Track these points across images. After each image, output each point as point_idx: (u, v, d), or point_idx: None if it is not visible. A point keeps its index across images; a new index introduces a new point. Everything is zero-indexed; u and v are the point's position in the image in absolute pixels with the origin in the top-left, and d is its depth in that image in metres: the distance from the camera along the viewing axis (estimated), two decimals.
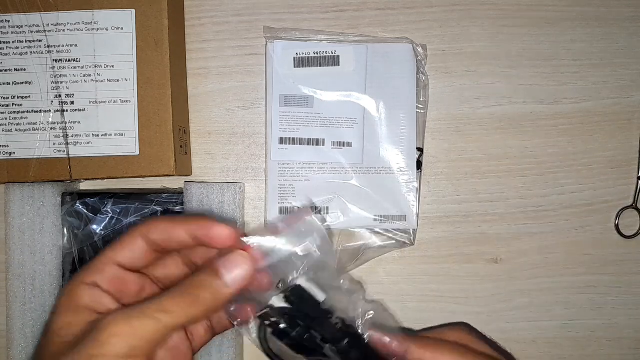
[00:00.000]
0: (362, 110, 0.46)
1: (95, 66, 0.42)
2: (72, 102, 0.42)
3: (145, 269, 0.31)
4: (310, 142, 0.46)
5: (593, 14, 0.47)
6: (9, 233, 0.42)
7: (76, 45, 0.42)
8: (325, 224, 0.45)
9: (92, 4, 0.41)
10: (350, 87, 0.46)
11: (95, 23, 0.42)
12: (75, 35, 0.42)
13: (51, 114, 0.42)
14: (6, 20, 0.41)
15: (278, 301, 0.30)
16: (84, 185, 0.46)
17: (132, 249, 0.29)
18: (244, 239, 0.29)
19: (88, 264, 0.29)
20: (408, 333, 0.32)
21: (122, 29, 0.42)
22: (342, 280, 0.32)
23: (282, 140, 0.46)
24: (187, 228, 0.29)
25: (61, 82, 0.42)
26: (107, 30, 0.42)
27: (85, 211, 0.43)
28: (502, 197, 0.47)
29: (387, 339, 0.31)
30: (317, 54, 0.46)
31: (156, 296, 0.27)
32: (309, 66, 0.46)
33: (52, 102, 0.42)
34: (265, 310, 0.30)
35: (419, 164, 0.46)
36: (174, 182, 0.46)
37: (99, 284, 0.28)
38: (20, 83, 0.42)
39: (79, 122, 0.42)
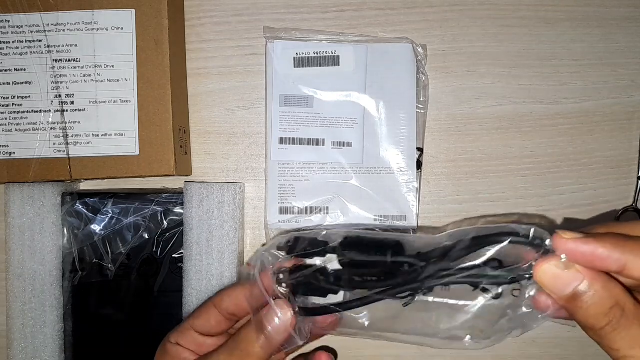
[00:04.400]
0: (362, 110, 0.46)
1: (95, 66, 0.42)
2: (72, 102, 0.42)
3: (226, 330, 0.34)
4: (310, 142, 0.46)
5: (593, 14, 0.47)
6: (9, 233, 0.42)
7: (76, 45, 0.42)
8: (326, 224, 0.45)
9: (92, 4, 0.41)
10: (350, 87, 0.46)
11: (95, 23, 0.42)
12: (75, 35, 0.42)
13: (51, 114, 0.42)
14: (6, 20, 0.41)
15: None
16: (84, 185, 0.46)
17: (207, 319, 0.33)
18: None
19: (176, 328, 0.35)
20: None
21: (122, 29, 0.42)
22: None
23: (282, 140, 0.46)
24: (245, 295, 0.32)
25: (61, 82, 0.42)
26: (107, 30, 0.42)
27: (85, 211, 0.43)
28: (502, 197, 0.47)
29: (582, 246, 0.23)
30: (317, 54, 0.46)
31: (214, 352, 0.31)
32: (309, 66, 0.46)
33: (52, 102, 0.42)
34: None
35: (419, 164, 0.46)
36: (174, 182, 0.46)
37: (181, 344, 0.33)
38: (20, 83, 0.42)
39: (79, 122, 0.42)
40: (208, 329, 0.33)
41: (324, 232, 0.32)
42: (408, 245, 0.31)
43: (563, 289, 0.24)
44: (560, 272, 0.24)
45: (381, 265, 0.30)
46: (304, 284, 0.30)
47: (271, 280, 0.30)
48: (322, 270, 0.30)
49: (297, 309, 0.30)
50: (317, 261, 0.31)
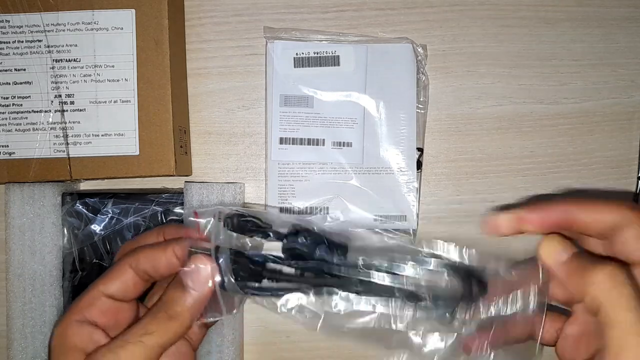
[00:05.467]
0: (362, 110, 0.46)
1: (95, 66, 0.42)
2: (72, 102, 0.42)
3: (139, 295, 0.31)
4: (310, 142, 0.46)
5: (593, 14, 0.47)
6: (9, 233, 0.42)
7: (76, 45, 0.42)
8: (327, 222, 0.45)
9: (92, 4, 0.41)
10: (350, 87, 0.46)
11: (95, 23, 0.42)
12: (75, 35, 0.42)
13: (51, 114, 0.42)
14: (6, 20, 0.41)
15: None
16: (84, 185, 0.46)
17: (123, 280, 0.29)
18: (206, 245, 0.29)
19: (78, 299, 0.29)
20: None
21: (122, 29, 0.42)
22: None
23: (282, 140, 0.46)
24: (170, 253, 0.29)
25: (61, 82, 0.42)
26: (107, 30, 0.42)
27: (85, 211, 0.43)
28: (502, 197, 0.47)
29: (533, 215, 0.29)
30: (317, 54, 0.46)
31: (138, 321, 0.28)
32: (309, 66, 0.46)
33: (52, 102, 0.42)
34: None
35: (419, 164, 0.46)
36: (174, 182, 0.46)
37: (89, 319, 0.28)
38: (20, 83, 0.42)
39: (79, 122, 0.42)
40: (124, 293, 0.29)
41: (271, 214, 0.32)
42: (358, 247, 0.31)
43: (557, 259, 0.28)
44: (560, 245, 0.29)
45: (320, 263, 0.30)
46: (238, 262, 0.30)
47: (206, 240, 0.29)
48: (259, 256, 0.30)
49: (228, 278, 0.29)
50: (257, 241, 0.31)
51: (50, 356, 0.28)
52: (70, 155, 0.42)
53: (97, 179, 0.43)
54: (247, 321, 0.46)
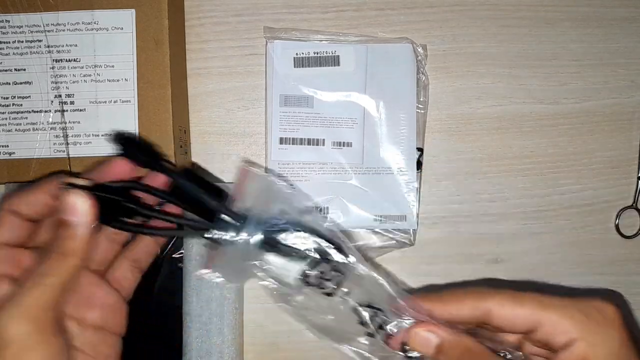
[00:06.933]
0: (362, 110, 0.46)
1: (95, 66, 0.42)
2: (72, 102, 0.42)
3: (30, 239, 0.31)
4: (310, 142, 0.46)
5: (593, 14, 0.47)
6: None
7: (76, 45, 0.42)
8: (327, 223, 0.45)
9: (92, 4, 0.41)
10: (350, 87, 0.46)
11: (95, 23, 0.42)
12: (75, 35, 0.42)
13: (51, 114, 0.42)
14: (6, 20, 0.41)
15: None
16: None
17: (8, 226, 0.29)
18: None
19: None
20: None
21: (122, 29, 0.42)
22: None
23: (282, 140, 0.46)
24: (44, 191, 0.30)
25: (61, 82, 0.42)
26: (107, 30, 0.42)
27: None
28: (502, 197, 0.47)
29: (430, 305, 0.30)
30: (317, 54, 0.46)
31: (33, 269, 0.28)
32: (309, 66, 0.46)
33: (52, 102, 0.42)
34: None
35: (419, 164, 0.46)
36: None
37: None
38: (20, 83, 0.42)
39: (79, 122, 0.42)
40: (16, 239, 0.29)
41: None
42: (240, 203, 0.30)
43: (429, 349, 0.29)
44: (426, 335, 0.29)
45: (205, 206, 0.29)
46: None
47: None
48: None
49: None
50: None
51: None
52: (70, 155, 0.42)
53: None
54: (247, 321, 0.46)
